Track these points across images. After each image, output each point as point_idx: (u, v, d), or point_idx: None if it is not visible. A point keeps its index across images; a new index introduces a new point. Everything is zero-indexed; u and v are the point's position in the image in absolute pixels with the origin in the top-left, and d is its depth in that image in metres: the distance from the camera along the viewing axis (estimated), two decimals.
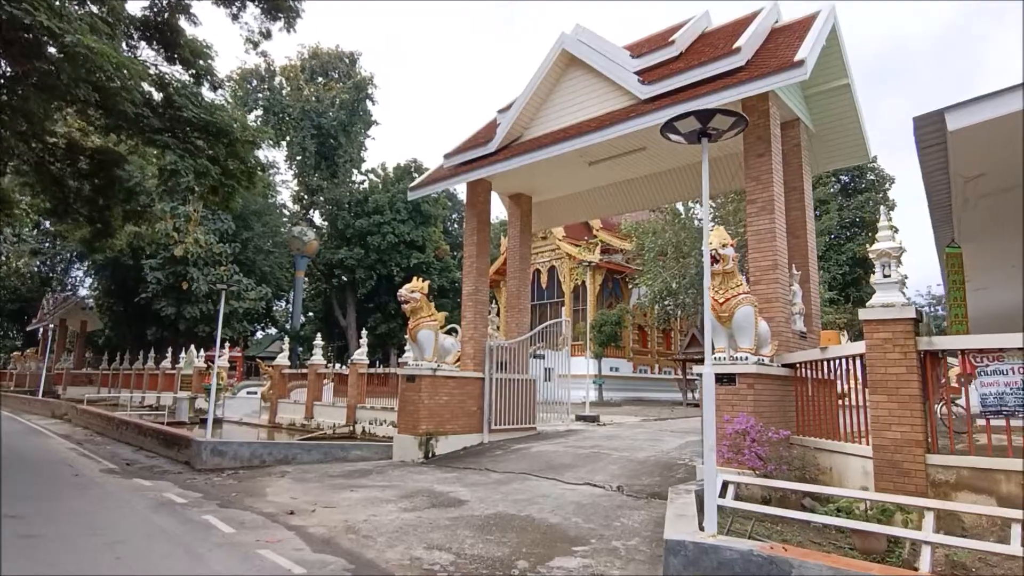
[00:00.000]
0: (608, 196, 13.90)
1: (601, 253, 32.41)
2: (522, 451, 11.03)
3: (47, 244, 41.52)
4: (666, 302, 29.23)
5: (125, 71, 9.58)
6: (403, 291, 11.35)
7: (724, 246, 7.35)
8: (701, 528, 4.25)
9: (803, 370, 7.82)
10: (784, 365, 7.90)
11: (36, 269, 46.68)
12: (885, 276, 6.08)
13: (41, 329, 36.69)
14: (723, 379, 7.36)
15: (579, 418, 15.88)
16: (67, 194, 15.04)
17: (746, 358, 7.27)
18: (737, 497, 6.72)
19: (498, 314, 14.36)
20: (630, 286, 33.40)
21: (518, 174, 12.48)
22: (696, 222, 28.57)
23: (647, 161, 11.99)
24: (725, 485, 5.69)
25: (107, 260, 35.90)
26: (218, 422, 23.46)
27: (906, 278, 6.08)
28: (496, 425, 12.16)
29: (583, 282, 33.05)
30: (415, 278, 11.82)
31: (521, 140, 11.79)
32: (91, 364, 44.57)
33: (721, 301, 7.42)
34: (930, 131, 6.00)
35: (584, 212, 14.90)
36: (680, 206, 29.25)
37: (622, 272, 34.20)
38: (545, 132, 11.30)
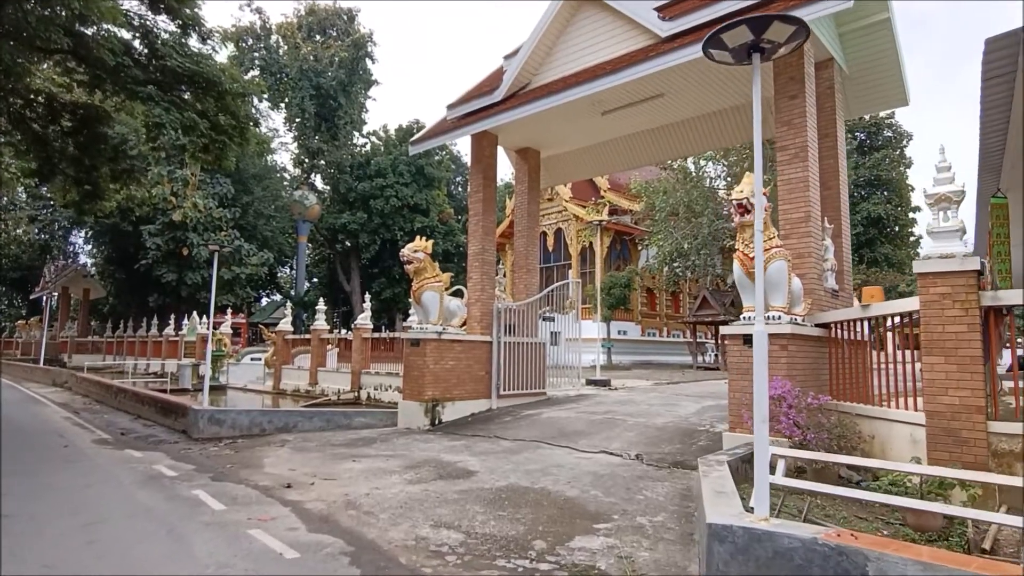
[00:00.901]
0: (621, 149, 13.12)
1: (609, 214, 31.56)
2: (532, 417, 10.56)
3: (44, 212, 40.82)
4: (675, 264, 28.56)
5: (97, 10, 8.77)
6: (406, 251, 10.73)
7: (755, 195, 6.64)
8: (748, 509, 3.71)
9: (838, 330, 7.22)
10: (817, 325, 7.29)
11: (36, 236, 46.15)
12: (944, 223, 5.41)
13: (44, 298, 36.30)
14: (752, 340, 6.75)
15: (589, 382, 15.41)
16: (51, 154, 14.35)
17: (779, 317, 6.66)
18: (771, 467, 6.20)
19: (504, 276, 13.75)
20: (639, 248, 32.68)
21: (525, 126, 11.71)
22: (708, 181, 27.67)
23: (664, 110, 11.18)
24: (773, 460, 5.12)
25: (106, 226, 35.36)
26: (222, 389, 23.24)
27: (964, 226, 5.40)
28: (505, 390, 11.68)
29: (590, 244, 32.33)
30: (418, 237, 11.18)
31: (529, 88, 10.98)
32: (96, 332, 44.48)
33: (751, 255, 6.76)
34: (1001, 57, 5.25)
35: (595, 167, 14.14)
36: (691, 165, 28.34)
37: (630, 234, 33.43)
38: (555, 78, 10.49)
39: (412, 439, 9.49)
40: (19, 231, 50.46)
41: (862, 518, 4.94)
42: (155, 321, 32.51)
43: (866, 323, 6.65)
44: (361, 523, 5.16)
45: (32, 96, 13.63)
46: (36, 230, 44.02)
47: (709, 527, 3.38)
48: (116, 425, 11.68)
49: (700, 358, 27.76)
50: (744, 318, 6.91)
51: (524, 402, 11.96)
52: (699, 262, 25.89)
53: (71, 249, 49.36)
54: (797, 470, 6.06)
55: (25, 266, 49.09)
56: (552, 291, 12.96)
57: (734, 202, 6.69)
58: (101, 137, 13.49)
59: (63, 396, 17.42)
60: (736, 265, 6.95)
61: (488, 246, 11.97)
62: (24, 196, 40.68)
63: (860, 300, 6.69)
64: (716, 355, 28.65)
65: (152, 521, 5.13)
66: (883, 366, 6.37)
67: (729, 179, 27.69)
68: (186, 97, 12.79)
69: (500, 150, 13.06)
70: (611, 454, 7.84)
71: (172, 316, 30.52)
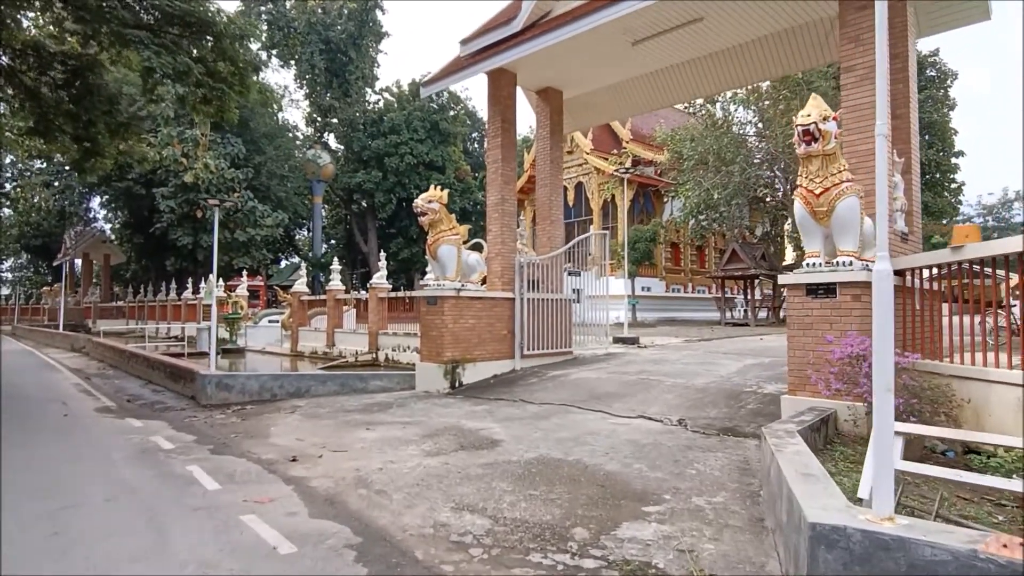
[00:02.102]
0: (651, 86, 11.96)
1: (632, 165, 30.21)
2: (559, 378, 9.83)
3: (59, 177, 40.50)
4: (702, 216, 27.30)
5: None
6: (419, 201, 9.87)
7: (825, 119, 5.64)
8: (855, 500, 2.91)
9: (914, 278, 6.26)
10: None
11: (54, 202, 46.08)
12: None
13: (65, 264, 36.30)
14: (818, 291, 5.85)
15: (617, 340, 14.62)
16: (46, 109, 13.62)
17: (850, 263, 5.72)
18: (839, 436, 5.38)
19: (525, 230, 12.83)
20: (664, 200, 31.39)
21: (546, 61, 10.63)
22: (738, 127, 26.14)
23: (701, 38, 10.01)
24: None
25: (119, 190, 34.97)
26: (240, 351, 22.93)
27: None
28: (529, 350, 10.94)
29: (612, 198, 31.13)
30: (432, 186, 10.29)
31: (551, 15, 9.86)
32: (119, 297, 44.71)
33: (818, 192, 5.79)
34: None
35: (622, 108, 12.99)
36: (719, 111, 26.77)
37: (654, 186, 32.09)
38: (580, 2, 9.34)
39: (431, 404, 8.83)
40: (38, 198, 50.52)
41: (965, 499, 4.12)
42: (173, 285, 32.31)
43: (957, 269, 5.68)
44: (372, 505, 4.48)
45: (21, 48, 12.82)
46: (52, 196, 43.85)
47: (812, 528, 2.58)
48: (125, 391, 11.23)
49: (728, 314, 26.76)
50: (807, 264, 5.99)
51: (550, 362, 11.23)
52: (729, 213, 24.62)
53: (88, 215, 49.28)
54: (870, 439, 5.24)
55: (46, 233, 49.28)
56: (578, 243, 12.04)
57: (799, 128, 5.68)
58: (94, 88, 12.69)
59: (79, 361, 17.15)
60: (798, 204, 5.99)
61: (508, 195, 11.05)
62: (39, 162, 40.31)
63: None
64: (745, 311, 27.64)
65: (133, 505, 4.49)
66: (978, 317, 5.44)
67: (760, 125, 26.13)
68: (180, 42, 11.90)
69: (520, 93, 12.00)
70: (650, 419, 7.08)
71: (190, 279, 30.21)
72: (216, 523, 4.12)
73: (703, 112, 25.69)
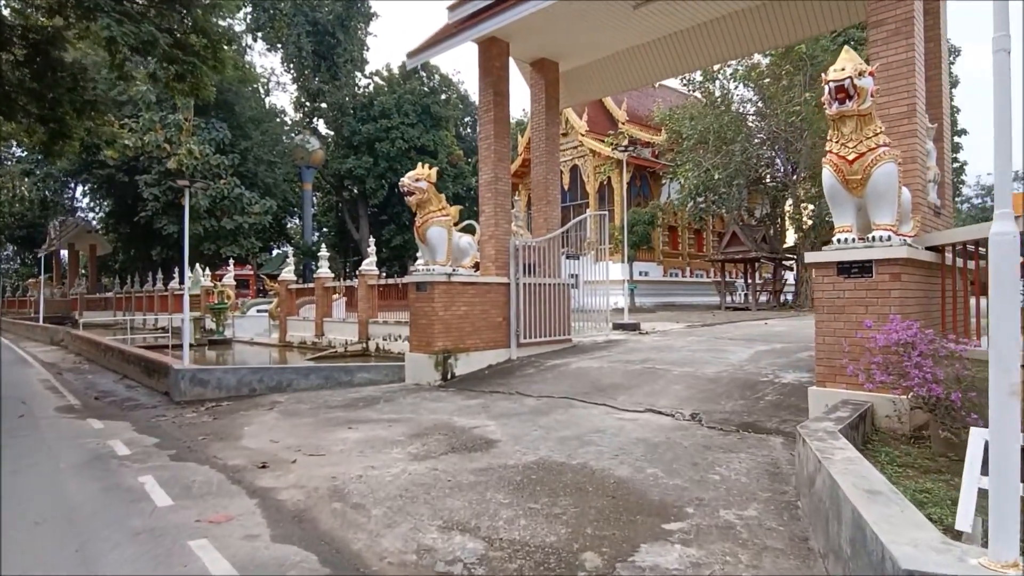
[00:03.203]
0: (653, 56, 11.23)
1: (628, 147, 29.44)
2: (559, 368, 9.19)
3: (39, 166, 39.38)
4: (700, 198, 26.63)
5: None
6: (405, 180, 9.15)
7: (861, 74, 4.96)
8: (948, 530, 2.29)
9: (955, 255, 5.63)
10: (926, 248, 5.70)
11: (35, 192, 44.92)
12: None
13: (42, 256, 35.38)
14: (851, 269, 5.20)
15: (616, 326, 13.99)
16: (8, 88, 12.78)
17: (888, 238, 5.06)
18: (877, 433, 4.76)
19: (520, 211, 12.14)
20: (661, 183, 30.66)
21: (542, 27, 9.88)
22: (736, 106, 25.40)
23: (706, 1, 9.28)
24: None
25: (101, 178, 33.96)
26: (227, 342, 22.22)
27: None
28: (525, 338, 10.29)
29: (608, 180, 30.39)
30: (420, 164, 9.57)
31: None
32: (107, 288, 43.79)
33: (852, 158, 5.12)
34: None
35: (622, 80, 12.24)
36: (718, 90, 25.99)
37: (651, 168, 31.35)
38: None
39: (421, 398, 8.19)
40: (22, 188, 49.32)
41: None
42: (160, 275, 31.48)
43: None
44: (346, 524, 3.83)
45: None
46: (33, 185, 42.72)
47: None
48: (97, 387, 10.55)
49: (728, 298, 26.18)
50: (838, 240, 5.33)
51: (548, 351, 10.59)
52: (729, 195, 23.94)
53: (71, 204, 48.17)
54: (911, 438, 4.64)
55: (30, 223, 48.13)
56: (577, 224, 11.35)
57: (830, 85, 5.00)
58: (56, 63, 11.86)
59: (56, 355, 16.43)
60: (828, 173, 5.32)
61: (502, 174, 10.34)
62: (18, 149, 39.20)
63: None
64: (746, 295, 27.07)
65: (65, 530, 3.83)
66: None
67: (760, 103, 25.38)
68: (147, 12, 11.09)
69: (513, 69, 11.24)
70: (660, 413, 6.46)
71: (176, 269, 29.39)
72: (158, 552, 3.47)
73: (702, 89, 24.89)
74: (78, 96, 12.11)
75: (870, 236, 5.14)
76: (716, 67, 24.23)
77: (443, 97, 45.99)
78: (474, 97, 55.18)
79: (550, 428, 6.07)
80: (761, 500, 3.96)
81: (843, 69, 4.94)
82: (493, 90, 10.32)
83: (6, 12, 12.90)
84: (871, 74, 5.03)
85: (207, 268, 28.38)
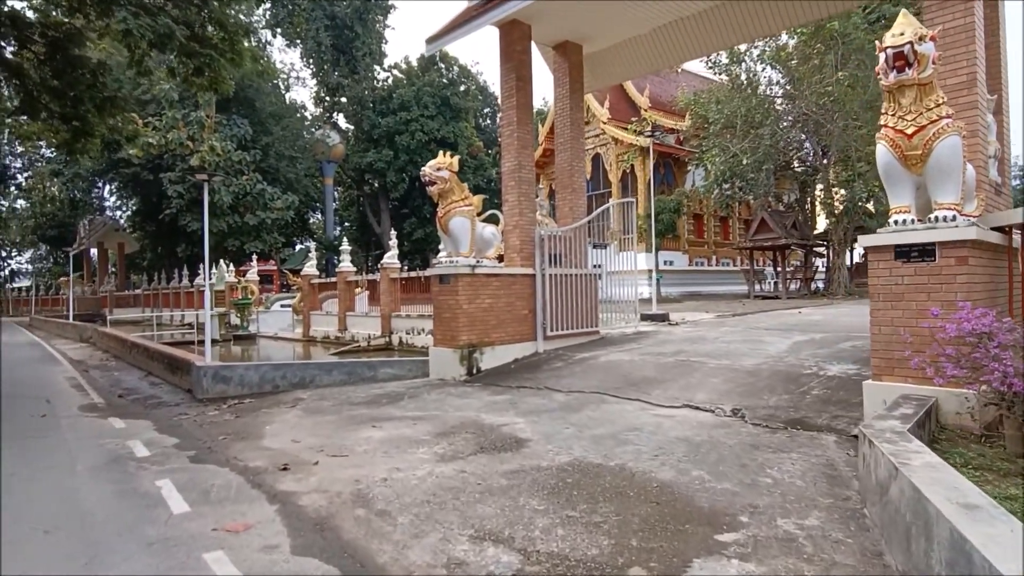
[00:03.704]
0: (680, 35, 10.78)
1: (651, 133, 28.83)
2: (588, 361, 8.87)
3: (66, 166, 40.02)
4: (725, 186, 25.95)
5: None
6: (426, 169, 8.88)
7: (921, 39, 4.53)
8: None
9: (1022, 236, 5.17)
10: (992, 229, 5.24)
11: (65, 192, 45.77)
12: None
13: (81, 254, 35.99)
14: (911, 253, 4.79)
15: (644, 317, 13.59)
16: (31, 87, 12.80)
17: (952, 218, 4.64)
18: (943, 431, 4.37)
19: (545, 199, 11.79)
20: (686, 170, 29.98)
21: (564, 10, 9.52)
22: (764, 88, 24.63)
23: None
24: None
25: (127, 177, 34.38)
26: (252, 337, 22.28)
27: None
28: (552, 331, 9.98)
29: (631, 169, 29.80)
30: (441, 153, 9.28)
31: None
32: (135, 285, 44.51)
33: (911, 131, 4.70)
34: None
35: (648, 61, 11.80)
36: (744, 73, 25.22)
37: (675, 155, 30.67)
38: None
39: (446, 393, 7.93)
40: (53, 188, 50.31)
41: None
42: (186, 271, 31.81)
43: None
44: (371, 533, 3.58)
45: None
46: (63, 185, 43.49)
47: None
48: (121, 384, 10.51)
49: (757, 286, 25.52)
50: (895, 222, 4.91)
51: (575, 343, 10.27)
52: (757, 180, 23.25)
53: (99, 203, 48.97)
54: (981, 438, 4.23)
55: (60, 223, 49.11)
56: (602, 213, 10.97)
57: (888, 52, 4.58)
58: (76, 61, 11.81)
59: (84, 352, 16.57)
60: (883, 148, 4.89)
61: (525, 161, 10.00)
62: (48, 150, 39.86)
63: None
64: (776, 283, 26.38)
65: (76, 540, 3.64)
66: None
67: (788, 86, 24.57)
68: (164, 5, 10.97)
69: (535, 54, 10.87)
70: (698, 408, 6.11)
71: (201, 265, 29.63)
72: (171, 564, 3.25)
73: (728, 72, 24.16)
74: (98, 93, 12.07)
75: (932, 216, 4.72)
76: (743, 48, 23.52)
77: (462, 88, 45.67)
78: (493, 88, 54.76)
79: (583, 426, 5.76)
80: (822, 507, 3.61)
81: (902, 34, 4.52)
82: (515, 75, 9.97)
83: (28, 11, 12.90)
84: (932, 39, 4.60)
85: (231, 264, 28.56)
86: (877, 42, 4.80)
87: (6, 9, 12.33)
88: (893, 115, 4.81)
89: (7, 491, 4.60)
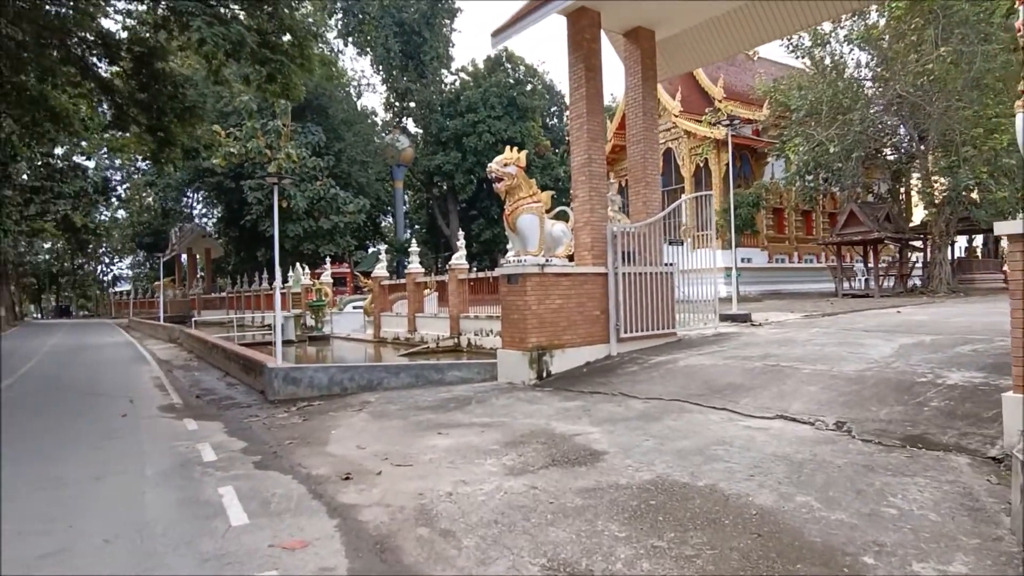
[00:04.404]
0: (759, 15, 10.05)
1: (726, 125, 27.53)
2: (665, 365, 8.30)
3: (159, 177, 42.71)
4: (809, 177, 24.35)
5: None
6: (493, 165, 8.58)
7: None
8: None
9: None
10: None
11: (158, 201, 48.92)
12: None
13: (164, 260, 38.31)
14: None
15: (724, 318, 12.77)
16: (120, 101, 13.50)
17: None
18: None
19: (618, 193, 11.26)
20: (766, 160, 28.47)
21: None
22: (851, 71, 22.93)
23: None
24: None
25: (211, 185, 36.23)
26: (326, 338, 22.84)
27: None
28: (626, 332, 9.44)
29: (705, 163, 28.57)
30: (508, 148, 8.96)
31: None
32: (221, 288, 46.97)
33: None
34: None
35: (726, 44, 11.05)
36: (827, 57, 23.57)
37: (753, 147, 29.15)
38: None
39: (515, 398, 7.59)
40: (149, 199, 54.01)
41: None
42: (265, 275, 33.13)
43: None
44: (434, 556, 3.26)
45: (93, 39, 12.65)
46: (156, 195, 46.51)
47: None
48: (200, 385, 10.81)
49: (846, 284, 23.81)
50: None
51: (650, 346, 9.69)
52: (846, 170, 21.65)
53: (188, 212, 52.06)
54: None
55: (155, 231, 52.61)
56: (679, 207, 10.33)
57: None
58: (159, 74, 12.33)
59: (171, 352, 17.38)
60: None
61: (596, 154, 9.52)
62: (143, 163, 42.66)
63: None
64: (867, 280, 24.55)
65: (132, 551, 3.51)
66: None
67: (879, 68, 22.76)
68: (236, 15, 11.27)
69: (604, 42, 10.37)
70: (795, 420, 5.47)
71: (279, 268, 30.82)
72: None
73: (812, 56, 22.64)
74: (179, 103, 12.55)
75: None
76: (827, 30, 21.99)
77: (528, 88, 45.43)
78: (559, 87, 54.26)
79: (664, 437, 5.25)
80: (967, 549, 2.98)
81: None
82: (584, 64, 9.51)
83: (121, 31, 13.57)
84: None
85: (307, 267, 29.47)
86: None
87: (98, 27, 13.06)
88: None
89: (82, 495, 4.61)
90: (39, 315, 73.34)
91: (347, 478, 4.72)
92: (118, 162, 45.83)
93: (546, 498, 4.01)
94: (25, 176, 28.63)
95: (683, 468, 4.42)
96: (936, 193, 21.54)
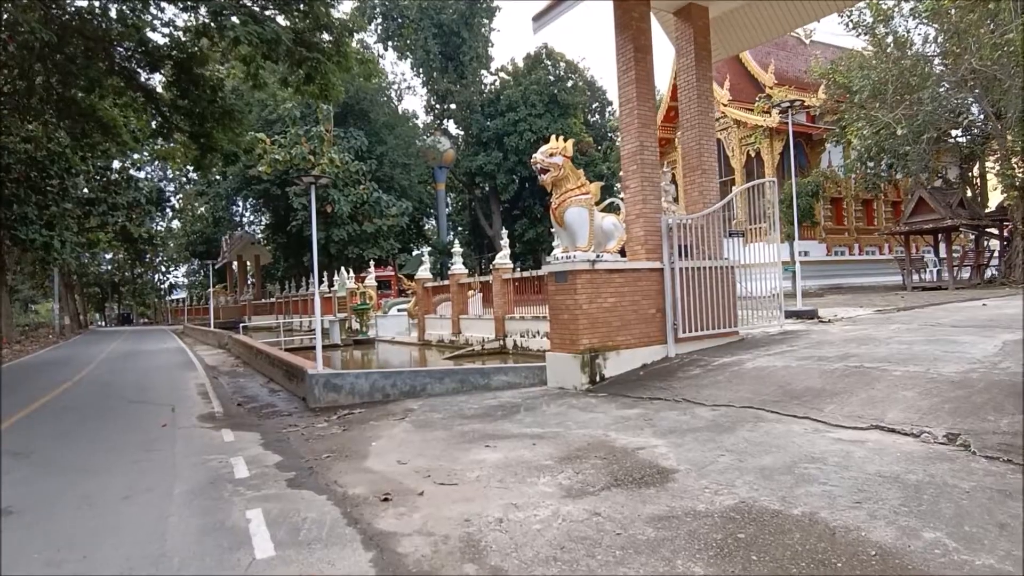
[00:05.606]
0: None
1: (783, 110, 26.21)
2: (731, 368, 7.58)
3: (209, 187, 43.85)
4: (871, 164, 22.87)
5: None
6: (538, 156, 8.04)
7: None
8: None
9: None
10: None
11: (209, 209, 50.27)
12: None
13: (215, 267, 39.24)
14: None
15: (789, 315, 11.87)
16: (162, 109, 13.58)
17: None
18: None
19: (671, 182, 10.54)
20: (822, 148, 27.02)
21: None
22: (917, 47, 21.40)
23: None
24: None
25: (258, 192, 36.86)
26: (371, 342, 22.74)
27: None
28: (684, 332, 8.75)
29: (757, 153, 27.30)
30: (552, 137, 8.40)
31: None
32: (270, 294, 47.94)
33: None
34: None
35: (782, 21, 10.21)
36: (890, 35, 22.07)
37: (808, 134, 27.71)
38: None
39: (567, 405, 7.02)
40: (200, 208, 55.66)
41: None
42: (313, 279, 33.53)
43: None
44: None
45: (135, 47, 12.72)
46: (207, 204, 47.80)
47: None
48: (243, 392, 10.63)
49: (915, 276, 22.25)
50: None
51: (711, 346, 8.97)
52: (915, 153, 20.19)
53: (238, 220, 53.36)
54: None
55: (207, 239, 54.17)
56: (741, 194, 9.55)
57: None
58: (198, 79, 12.29)
59: (219, 358, 17.49)
60: None
61: (648, 141, 8.86)
62: (194, 173, 43.88)
63: None
64: (939, 271, 22.92)
65: None
66: None
67: (950, 42, 21.15)
68: (273, 15, 11.08)
69: (653, 22, 9.69)
70: (894, 431, 4.73)
71: (324, 273, 31.06)
72: None
73: (875, 33, 21.22)
74: (217, 107, 12.49)
75: None
76: (890, 3, 20.59)
77: (569, 84, 44.75)
78: (600, 82, 53.36)
79: (742, 452, 4.60)
80: None
81: None
82: (632, 45, 8.87)
83: (164, 39, 13.62)
84: None
85: (351, 271, 29.59)
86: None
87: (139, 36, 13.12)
88: None
89: (107, 516, 4.29)
90: (103, 323, 76.67)
91: (386, 499, 4.25)
92: (170, 174, 47.30)
93: (612, 528, 3.44)
94: (85, 190, 29.68)
95: (771, 491, 3.78)
96: (1017, 175, 19.85)
